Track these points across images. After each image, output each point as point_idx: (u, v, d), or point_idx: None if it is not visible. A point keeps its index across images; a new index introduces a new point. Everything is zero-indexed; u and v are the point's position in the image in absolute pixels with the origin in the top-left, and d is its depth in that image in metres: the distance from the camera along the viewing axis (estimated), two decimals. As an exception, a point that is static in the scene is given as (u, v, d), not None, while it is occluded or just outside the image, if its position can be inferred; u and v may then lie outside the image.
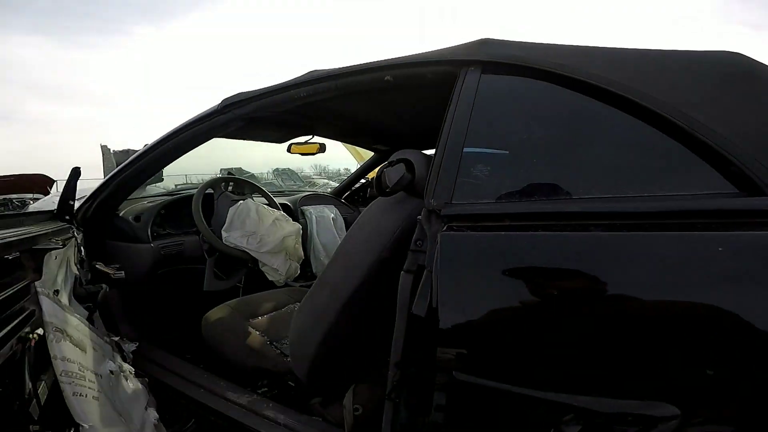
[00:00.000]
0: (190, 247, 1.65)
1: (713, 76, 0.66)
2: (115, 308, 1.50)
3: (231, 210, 1.57)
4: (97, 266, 1.31)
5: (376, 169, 2.65)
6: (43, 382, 0.90)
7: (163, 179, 1.81)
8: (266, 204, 1.73)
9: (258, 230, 1.53)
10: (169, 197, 1.74)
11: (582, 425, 0.53)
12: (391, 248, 0.89)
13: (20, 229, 1.07)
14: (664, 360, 0.53)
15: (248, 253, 1.52)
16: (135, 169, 1.35)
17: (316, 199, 2.36)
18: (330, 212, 2.24)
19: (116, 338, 1.31)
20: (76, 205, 1.36)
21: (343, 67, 1.02)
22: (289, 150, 1.82)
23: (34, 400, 0.83)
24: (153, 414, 1.18)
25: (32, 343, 0.85)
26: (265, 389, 1.25)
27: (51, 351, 0.89)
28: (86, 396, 0.92)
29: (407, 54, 0.93)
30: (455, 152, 0.70)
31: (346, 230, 2.30)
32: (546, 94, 0.73)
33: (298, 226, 1.62)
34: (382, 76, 0.94)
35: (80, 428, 0.88)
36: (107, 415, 0.95)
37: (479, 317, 0.61)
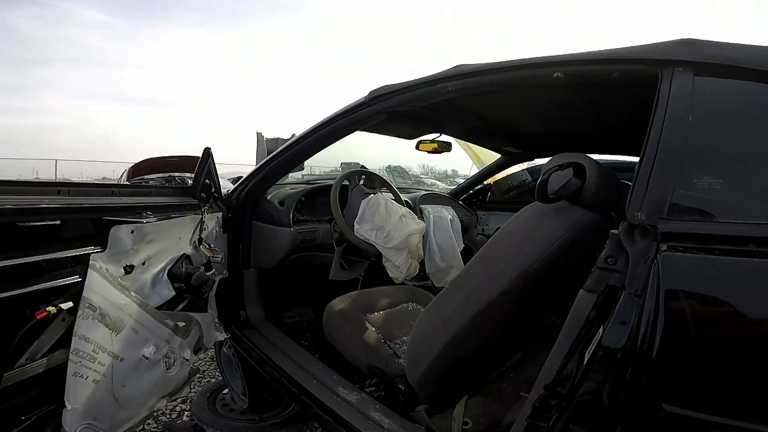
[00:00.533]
0: (321, 234, 1.76)
1: None
2: (248, 289, 1.65)
3: (363, 202, 1.63)
4: (201, 247, 1.36)
5: (499, 174, 2.54)
6: (47, 358, 0.93)
7: (303, 168, 1.96)
8: (394, 200, 1.76)
9: (385, 225, 1.56)
10: (308, 186, 1.87)
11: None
12: (545, 260, 0.82)
13: (134, 198, 1.13)
14: None
15: (375, 247, 1.56)
16: (287, 156, 1.48)
17: (435, 198, 2.34)
18: (447, 213, 2.20)
19: (183, 324, 1.26)
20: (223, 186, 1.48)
21: (504, 62, 0.96)
22: (417, 147, 1.82)
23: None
24: (164, 403, 1.21)
25: (39, 315, 0.85)
26: (373, 388, 1.26)
27: (75, 327, 0.91)
28: (86, 378, 0.92)
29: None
30: (669, 161, 0.60)
31: (462, 233, 2.24)
32: None
33: (423, 224, 1.62)
34: (551, 73, 0.87)
35: (64, 407, 0.90)
36: (100, 398, 0.96)
37: (714, 355, 0.52)
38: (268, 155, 1.61)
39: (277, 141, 1.95)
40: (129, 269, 1.05)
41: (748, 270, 0.51)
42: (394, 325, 1.44)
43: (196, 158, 1.45)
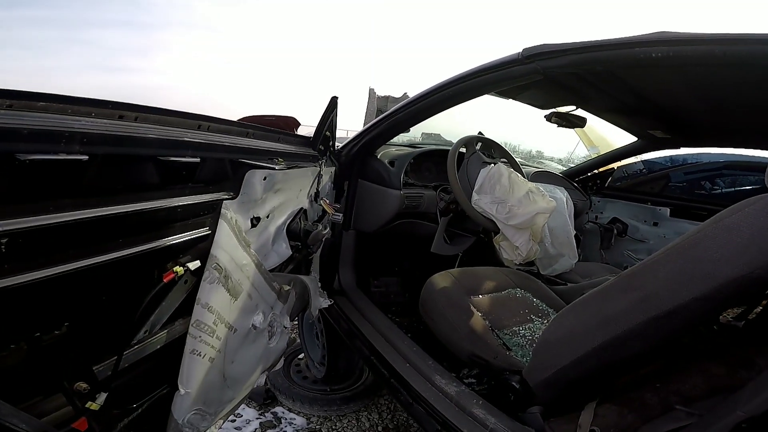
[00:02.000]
0: (426, 201, 1.64)
1: None
2: (344, 252, 1.58)
3: (482, 172, 1.48)
4: (320, 202, 1.27)
5: (629, 160, 2.23)
6: (167, 330, 0.80)
7: (409, 130, 1.84)
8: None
9: (508, 199, 1.40)
10: (417, 149, 1.76)
11: None
12: None
13: (266, 142, 1.03)
14: None
15: (494, 223, 1.41)
16: (405, 115, 1.36)
17: (548, 177, 2.11)
18: (562, 194, 1.97)
19: (288, 288, 1.14)
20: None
21: (742, 33, 0.75)
22: (549, 119, 1.61)
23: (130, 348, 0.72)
24: (263, 378, 1.10)
25: (167, 278, 0.72)
26: (473, 380, 1.15)
27: (199, 293, 0.78)
28: (203, 356, 0.80)
29: None
30: None
31: (575, 217, 2.01)
32: None
33: (554, 203, 1.43)
34: None
35: (177, 391, 0.78)
36: (211, 380, 0.85)
37: None
38: (377, 113, 1.50)
39: (387, 99, 1.84)
40: (255, 222, 0.96)
41: None
42: (502, 313, 1.31)
43: (290, 118, 1.38)
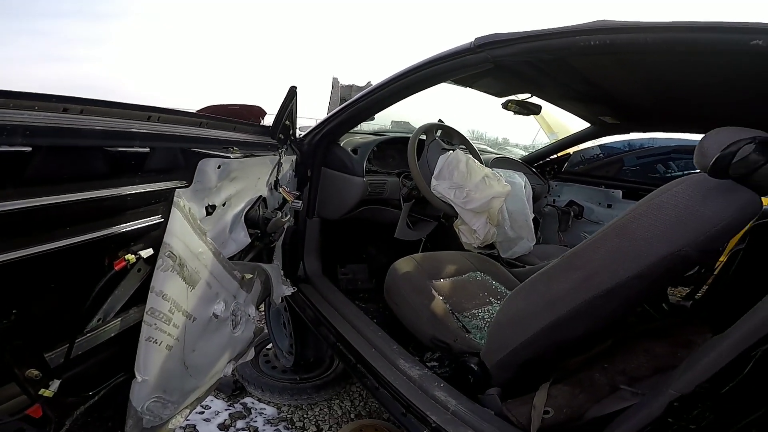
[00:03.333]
0: (390, 188, 1.67)
1: None
2: (309, 240, 1.58)
3: (441, 158, 1.52)
4: (281, 190, 1.28)
5: (585, 144, 2.33)
6: (120, 319, 0.81)
7: (374, 118, 1.85)
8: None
9: (465, 185, 1.45)
10: (381, 136, 1.77)
11: None
12: (701, 244, 0.69)
13: (221, 131, 1.02)
14: None
15: (452, 207, 1.46)
16: (367, 103, 1.37)
17: (507, 163, 2.19)
18: (521, 179, 2.04)
19: (250, 276, 1.15)
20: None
21: (670, 22, 0.80)
22: (505, 106, 1.66)
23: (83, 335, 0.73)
24: (230, 368, 1.11)
25: (118, 266, 0.72)
26: (435, 363, 1.18)
27: (153, 281, 0.79)
28: (159, 343, 0.81)
29: None
30: None
31: (533, 201, 2.09)
32: None
33: (508, 188, 1.49)
34: (747, 40, 0.70)
35: (134, 379, 0.79)
36: (171, 368, 0.86)
37: None
38: (341, 102, 1.51)
39: (351, 88, 1.84)
40: (210, 210, 0.97)
41: None
42: (462, 296, 1.35)
43: (255, 107, 1.36)
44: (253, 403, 1.64)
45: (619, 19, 0.89)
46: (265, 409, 1.61)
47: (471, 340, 1.16)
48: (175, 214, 0.83)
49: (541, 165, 2.42)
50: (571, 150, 2.36)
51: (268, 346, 1.89)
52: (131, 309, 0.83)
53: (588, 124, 2.07)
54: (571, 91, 1.51)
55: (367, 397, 1.73)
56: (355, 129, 1.86)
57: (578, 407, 0.90)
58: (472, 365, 1.05)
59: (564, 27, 0.96)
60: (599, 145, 2.44)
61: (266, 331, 1.83)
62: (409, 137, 1.61)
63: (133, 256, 0.74)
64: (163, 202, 0.83)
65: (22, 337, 0.62)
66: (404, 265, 1.39)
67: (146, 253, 0.77)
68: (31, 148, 0.56)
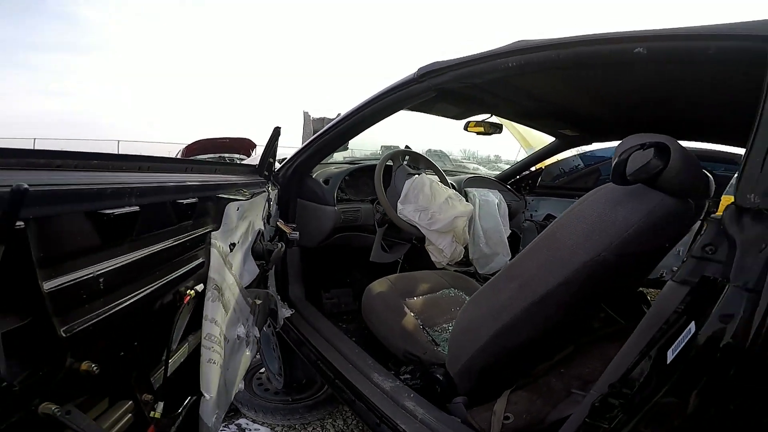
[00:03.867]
0: (364, 215, 1.73)
1: None
2: (291, 267, 1.65)
3: (407, 183, 1.59)
4: (278, 223, 1.38)
5: (554, 158, 2.40)
6: (187, 343, 0.88)
7: (348, 148, 1.93)
8: (439, 181, 1.70)
9: (430, 207, 1.51)
10: (353, 165, 1.85)
11: None
12: (616, 248, 0.74)
13: (219, 175, 1.09)
14: None
15: (418, 229, 1.52)
16: (333, 135, 1.46)
17: (481, 182, 2.25)
18: (495, 197, 2.10)
19: (260, 301, 1.26)
20: (277, 165, 1.49)
21: (575, 36, 0.88)
22: (466, 128, 1.74)
23: (164, 365, 0.79)
24: (242, 385, 1.18)
25: (186, 300, 0.81)
26: (408, 376, 1.21)
27: (205, 310, 0.87)
28: (215, 363, 0.89)
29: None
30: None
31: (509, 219, 2.15)
32: None
33: (470, 207, 1.55)
34: (631, 48, 0.78)
35: (202, 398, 0.86)
36: (221, 384, 0.94)
37: None
38: (314, 134, 1.59)
39: (323, 120, 1.93)
40: (232, 247, 1.05)
41: None
42: (434, 312, 1.40)
43: (245, 140, 1.44)
44: (247, 423, 1.66)
45: (534, 38, 0.96)
46: (259, 429, 1.64)
47: (439, 353, 1.20)
48: (213, 253, 0.93)
49: (517, 181, 2.48)
50: (543, 164, 2.42)
51: (261, 370, 1.94)
52: (189, 336, 0.92)
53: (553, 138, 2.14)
54: (523, 108, 1.59)
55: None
56: (330, 159, 1.95)
57: (537, 412, 0.93)
58: (438, 375, 1.09)
59: (486, 51, 1.03)
60: (580, 156, 2.49)
61: (258, 355, 1.88)
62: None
63: (192, 291, 0.84)
64: (204, 244, 0.94)
65: (139, 366, 0.72)
66: (378, 286, 1.45)
67: (200, 287, 0.87)
68: (138, 207, 0.65)
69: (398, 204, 1.56)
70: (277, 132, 1.35)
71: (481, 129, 1.76)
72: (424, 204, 1.51)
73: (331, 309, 1.84)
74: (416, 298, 1.44)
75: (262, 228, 1.29)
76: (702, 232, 0.57)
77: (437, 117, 1.71)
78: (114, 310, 0.61)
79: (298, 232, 1.39)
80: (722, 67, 0.71)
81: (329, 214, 1.59)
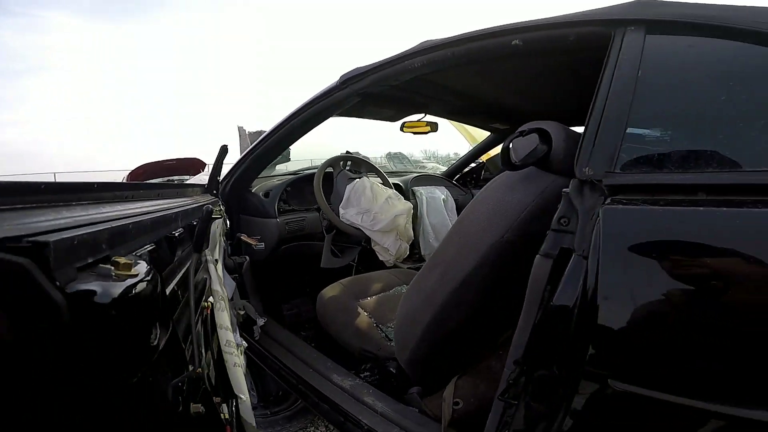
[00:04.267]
0: (310, 223, 1.75)
1: None
2: (248, 282, 1.65)
3: (348, 187, 1.62)
4: (241, 237, 1.40)
5: (493, 151, 2.50)
6: (209, 352, 0.93)
7: (290, 159, 1.94)
8: (381, 183, 1.74)
9: (372, 208, 1.54)
10: (293, 175, 1.86)
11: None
12: (516, 229, 0.79)
13: (188, 198, 1.12)
14: None
15: (362, 231, 1.55)
16: (265, 148, 1.47)
17: (427, 179, 2.31)
18: (441, 193, 2.17)
19: (243, 312, 1.33)
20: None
21: (461, 34, 0.94)
22: (402, 129, 1.80)
23: (207, 371, 0.84)
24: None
25: (207, 312, 0.87)
26: (368, 373, 1.25)
27: (218, 320, 0.92)
28: (240, 366, 0.94)
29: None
30: (618, 115, 0.58)
31: (457, 213, 2.21)
32: (740, 53, 0.59)
33: (409, 204, 1.59)
34: (509, 41, 0.84)
35: (238, 399, 0.91)
36: (246, 386, 0.98)
37: (656, 313, 0.48)
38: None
39: (260, 134, 1.94)
40: (215, 263, 1.08)
41: (695, 218, 0.47)
42: (387, 309, 1.43)
43: (194, 160, 1.44)
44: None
45: (437, 38, 1.01)
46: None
47: (393, 347, 1.23)
48: (211, 268, 0.99)
49: (463, 176, 2.56)
50: (485, 158, 2.52)
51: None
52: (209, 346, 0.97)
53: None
54: (453, 106, 1.66)
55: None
56: (273, 171, 1.95)
57: (482, 395, 0.96)
58: (392, 369, 1.13)
59: (396, 54, 1.08)
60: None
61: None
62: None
63: (208, 302, 0.91)
64: (204, 262, 0.99)
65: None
66: (330, 290, 1.48)
67: (211, 299, 0.94)
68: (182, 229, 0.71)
69: (340, 209, 1.59)
70: (224, 149, 1.36)
71: (417, 129, 1.83)
72: (366, 206, 1.55)
73: (292, 319, 1.84)
74: (369, 298, 1.47)
75: (224, 244, 1.31)
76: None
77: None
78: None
79: (263, 243, 1.41)
80: (583, 54, 0.77)
81: (272, 227, 1.60)
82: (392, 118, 1.74)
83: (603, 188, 0.55)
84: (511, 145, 0.74)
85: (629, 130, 0.56)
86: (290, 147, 1.56)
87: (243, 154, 1.51)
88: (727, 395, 0.45)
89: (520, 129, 0.76)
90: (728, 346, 0.45)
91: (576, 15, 0.76)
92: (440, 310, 0.93)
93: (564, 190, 0.61)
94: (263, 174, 1.77)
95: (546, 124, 0.79)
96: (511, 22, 0.87)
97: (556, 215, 0.61)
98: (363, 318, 1.35)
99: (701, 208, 0.47)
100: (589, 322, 0.50)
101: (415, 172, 2.54)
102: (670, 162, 0.53)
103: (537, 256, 0.62)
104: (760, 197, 0.46)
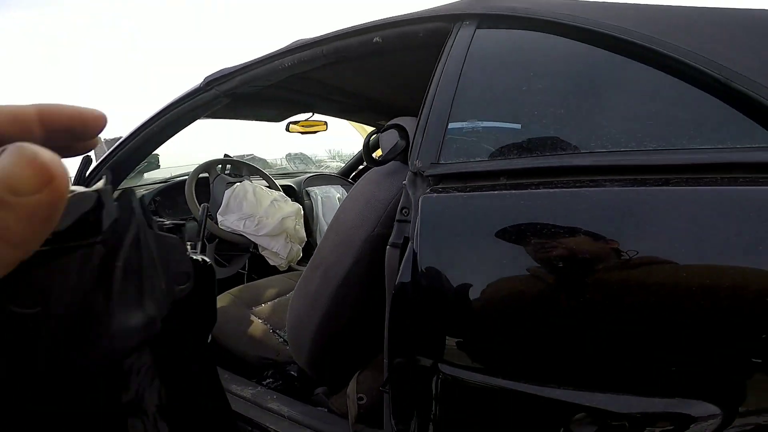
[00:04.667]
0: (190, 233, 1.60)
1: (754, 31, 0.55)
2: None
3: (227, 192, 1.51)
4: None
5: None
6: None
7: (159, 167, 1.75)
8: (266, 186, 1.66)
9: (256, 213, 1.46)
10: (162, 184, 1.69)
11: (597, 427, 0.44)
12: (385, 223, 0.81)
13: None
14: (700, 347, 0.43)
15: (246, 237, 1.46)
16: (123, 154, 1.30)
17: (322, 179, 2.28)
18: (336, 192, 2.16)
19: None
20: None
21: (328, 33, 0.93)
22: (287, 129, 1.74)
23: None
24: None
25: None
26: (270, 380, 1.21)
27: None
28: None
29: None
30: (443, 109, 0.62)
31: (354, 211, 2.23)
32: (550, 45, 0.65)
33: (297, 206, 1.54)
34: (370, 39, 0.85)
35: None
36: None
37: (470, 296, 0.51)
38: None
39: (117, 140, 1.72)
40: None
41: (492, 202, 0.53)
42: (282, 314, 1.37)
43: None
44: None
45: (308, 37, 1.00)
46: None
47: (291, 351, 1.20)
48: None
49: (358, 173, 2.58)
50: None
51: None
52: None
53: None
54: (340, 104, 1.65)
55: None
56: (141, 181, 1.75)
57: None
58: (293, 372, 1.11)
59: (266, 54, 1.04)
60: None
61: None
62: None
63: None
64: None
65: None
66: (219, 302, 1.37)
67: None
68: None
69: (218, 215, 1.48)
70: (86, 161, 1.25)
71: (303, 129, 1.78)
72: (249, 211, 1.46)
73: None
74: (264, 305, 1.42)
75: None
76: None
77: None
78: None
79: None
80: (435, 50, 0.81)
81: None
82: (276, 119, 1.67)
83: (428, 179, 0.58)
84: (368, 143, 0.75)
85: (451, 123, 0.60)
86: (159, 153, 1.41)
87: (96, 164, 1.32)
88: (534, 374, 0.49)
89: (384, 127, 0.77)
90: (527, 324, 0.50)
91: (426, 11, 0.79)
92: (328, 309, 0.91)
93: (404, 182, 0.63)
94: (129, 184, 1.57)
95: (403, 120, 0.81)
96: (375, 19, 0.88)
97: (399, 206, 0.63)
98: (257, 325, 1.29)
99: (496, 192, 0.53)
100: (419, 309, 0.53)
101: (310, 173, 2.49)
102: (481, 152, 0.58)
103: (387, 246, 0.64)
104: (543, 179, 0.52)
